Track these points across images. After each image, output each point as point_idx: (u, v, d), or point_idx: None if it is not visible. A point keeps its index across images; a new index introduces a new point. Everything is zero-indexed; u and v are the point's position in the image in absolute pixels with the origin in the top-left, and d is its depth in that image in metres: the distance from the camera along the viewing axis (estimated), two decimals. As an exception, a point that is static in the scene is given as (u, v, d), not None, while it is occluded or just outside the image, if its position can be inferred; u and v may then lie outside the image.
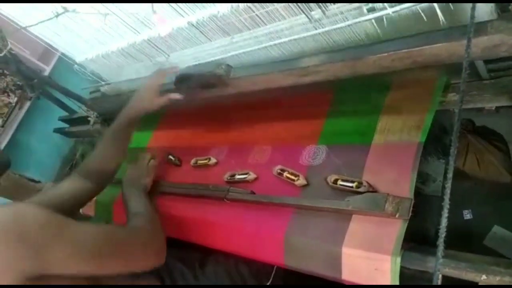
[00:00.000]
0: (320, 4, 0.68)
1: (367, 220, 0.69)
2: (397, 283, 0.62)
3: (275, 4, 0.72)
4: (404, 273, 0.62)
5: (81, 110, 1.52)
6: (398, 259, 0.62)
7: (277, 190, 0.85)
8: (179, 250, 0.94)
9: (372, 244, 0.66)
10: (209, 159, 1.05)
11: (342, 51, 0.75)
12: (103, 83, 1.23)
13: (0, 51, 1.23)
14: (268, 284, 0.90)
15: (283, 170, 0.86)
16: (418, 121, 0.74)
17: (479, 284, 0.58)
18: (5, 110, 1.98)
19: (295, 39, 0.77)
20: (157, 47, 0.96)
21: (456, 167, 0.87)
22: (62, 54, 1.13)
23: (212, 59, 0.92)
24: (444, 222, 0.44)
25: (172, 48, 0.95)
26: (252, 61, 0.88)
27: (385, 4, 0.63)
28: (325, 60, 0.76)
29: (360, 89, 0.86)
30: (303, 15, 0.72)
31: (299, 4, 0.70)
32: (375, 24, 0.69)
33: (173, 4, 0.79)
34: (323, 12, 0.69)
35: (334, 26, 0.71)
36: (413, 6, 0.61)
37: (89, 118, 1.43)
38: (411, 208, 0.64)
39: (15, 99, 2.00)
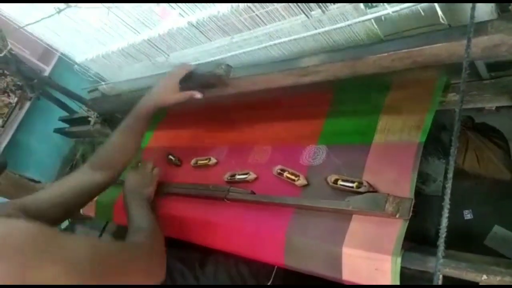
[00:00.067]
0: (320, 4, 0.68)
1: (368, 220, 0.69)
2: (398, 283, 0.62)
3: (275, 4, 0.72)
4: (404, 273, 0.62)
5: (81, 110, 1.52)
6: (399, 259, 0.62)
7: (277, 190, 0.85)
8: (179, 250, 0.95)
9: (373, 244, 0.65)
10: (209, 159, 1.05)
11: (342, 51, 0.75)
12: (102, 83, 1.23)
13: (0, 51, 1.23)
14: (268, 284, 0.90)
15: (283, 170, 0.86)
16: (418, 121, 0.74)
17: (480, 284, 0.58)
18: (5, 110, 1.98)
19: (295, 39, 0.77)
20: (157, 47, 0.96)
21: (456, 166, 0.87)
22: (62, 54, 1.13)
23: (212, 59, 0.92)
24: (444, 222, 0.44)
25: (172, 48, 0.95)
26: (252, 61, 0.88)
27: (385, 4, 0.63)
28: (325, 60, 0.76)
29: (360, 89, 0.86)
30: (303, 15, 0.72)
31: (299, 4, 0.70)
32: (374, 24, 0.69)
33: (173, 4, 0.79)
34: (323, 11, 0.69)
35: (334, 26, 0.71)
36: (413, 6, 0.61)
37: (89, 118, 1.43)
38: (412, 208, 0.64)
39: (15, 99, 2.00)
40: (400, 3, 0.62)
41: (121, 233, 1.45)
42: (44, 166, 2.04)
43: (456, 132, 0.48)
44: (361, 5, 0.66)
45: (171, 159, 1.15)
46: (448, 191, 0.46)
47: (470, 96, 0.76)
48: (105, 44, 1.02)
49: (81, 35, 1.01)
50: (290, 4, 0.70)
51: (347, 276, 0.68)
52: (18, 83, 1.96)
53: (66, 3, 0.89)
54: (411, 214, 0.64)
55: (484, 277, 0.57)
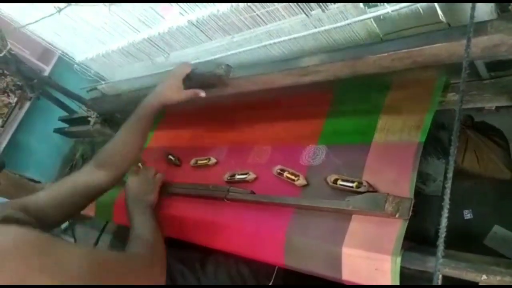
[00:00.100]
0: (320, 3, 0.68)
1: (367, 220, 0.69)
2: (398, 283, 0.62)
3: (275, 3, 0.72)
4: (404, 273, 0.62)
5: (81, 110, 1.52)
6: (398, 259, 0.62)
7: (277, 190, 0.85)
8: (179, 251, 0.94)
9: (372, 244, 0.65)
10: (209, 159, 1.05)
11: (342, 51, 0.75)
12: (102, 82, 1.23)
13: (0, 51, 1.22)
14: (269, 284, 0.90)
15: (283, 170, 0.86)
16: (418, 121, 0.74)
17: (480, 284, 0.58)
18: (5, 110, 1.98)
19: (295, 38, 0.77)
20: (157, 46, 0.96)
21: (455, 165, 0.87)
22: (62, 53, 1.13)
23: (212, 57, 0.92)
24: (444, 222, 0.44)
25: (173, 47, 0.95)
26: (252, 60, 0.88)
27: (385, 3, 0.63)
28: (325, 60, 0.76)
29: (360, 89, 0.86)
30: (303, 14, 0.72)
31: (298, 3, 0.70)
32: (374, 23, 0.69)
33: (174, 4, 0.79)
34: (323, 11, 0.69)
35: (334, 25, 0.71)
36: (412, 5, 0.61)
37: (89, 118, 1.43)
38: (411, 208, 0.64)
39: (15, 99, 2.00)
40: (399, 3, 0.62)
41: (121, 233, 1.45)
42: (44, 166, 2.04)
43: (455, 132, 0.48)
44: (361, 4, 0.66)
45: (171, 159, 1.15)
46: (448, 191, 0.46)
47: (470, 96, 0.76)
48: (105, 43, 1.02)
49: (81, 34, 1.01)
50: (290, 3, 0.70)
51: (347, 276, 0.68)
52: (18, 83, 1.95)
53: (67, 3, 0.89)
54: (410, 214, 0.64)
55: (484, 277, 0.57)
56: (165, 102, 0.91)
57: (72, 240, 1.63)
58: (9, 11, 1.01)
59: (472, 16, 0.53)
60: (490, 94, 0.74)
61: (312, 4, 0.70)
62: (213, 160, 1.04)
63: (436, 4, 0.60)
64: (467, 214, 0.92)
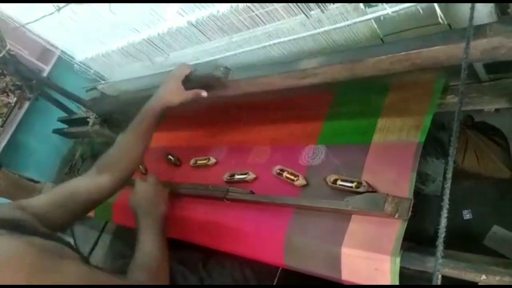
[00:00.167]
0: (319, 4, 0.68)
1: (367, 220, 0.69)
2: (397, 283, 0.62)
3: (275, 4, 0.71)
4: (403, 273, 0.62)
5: (80, 111, 1.52)
6: (398, 259, 0.62)
7: (276, 190, 0.85)
8: (179, 251, 0.94)
9: (372, 244, 0.66)
10: (209, 159, 1.05)
11: (341, 54, 0.75)
12: (102, 82, 1.23)
13: (-1, 51, 1.22)
14: (273, 284, 0.90)
15: (282, 170, 0.86)
16: (417, 121, 0.74)
17: (479, 284, 0.58)
18: (5, 110, 1.98)
19: (294, 39, 0.77)
20: (157, 46, 0.96)
21: (455, 165, 0.87)
22: (62, 52, 1.13)
23: (212, 58, 0.91)
24: (443, 222, 0.44)
25: (172, 48, 0.95)
26: (251, 61, 0.88)
27: (384, 4, 0.63)
28: (324, 63, 0.75)
29: (360, 91, 0.85)
30: (303, 15, 0.72)
31: (298, 4, 0.70)
32: (374, 24, 0.69)
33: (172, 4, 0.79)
34: (322, 11, 0.69)
35: (334, 26, 0.71)
36: (412, 6, 0.61)
37: (88, 119, 1.42)
38: (411, 208, 0.64)
39: (15, 99, 2.00)
40: (399, 3, 0.62)
41: (120, 233, 1.45)
42: (44, 166, 2.03)
43: (455, 132, 0.48)
44: (361, 5, 0.66)
45: (170, 159, 1.15)
46: (447, 191, 0.46)
47: (469, 98, 0.76)
48: (105, 43, 1.02)
49: (81, 33, 1.01)
50: (290, 4, 0.70)
51: (347, 276, 0.68)
52: (18, 83, 1.95)
53: (66, 2, 0.89)
54: (410, 214, 0.64)
55: (483, 277, 0.57)
56: (167, 104, 0.91)
57: (71, 240, 1.63)
58: (9, 10, 1.01)
59: (471, 17, 0.53)
60: (489, 96, 0.74)
61: (312, 5, 0.70)
62: (212, 160, 1.04)
63: (436, 6, 0.60)
64: (467, 214, 0.93)
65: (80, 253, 0.66)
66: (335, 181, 0.76)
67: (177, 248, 0.93)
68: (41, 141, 2.02)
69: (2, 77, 1.99)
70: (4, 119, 1.96)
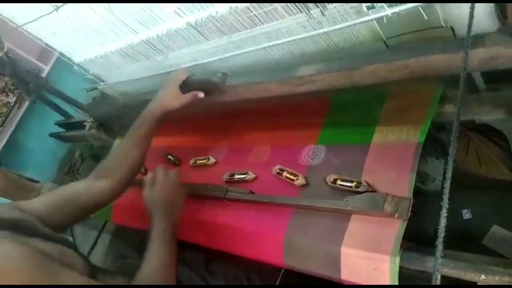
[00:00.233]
0: (318, 4, 0.68)
1: (366, 220, 0.69)
2: (396, 283, 0.62)
3: (274, 4, 0.71)
4: (403, 273, 0.62)
5: (77, 115, 1.51)
6: (397, 259, 0.62)
7: (276, 190, 0.85)
8: (181, 252, 0.94)
9: (371, 244, 0.66)
10: (208, 159, 1.05)
11: (338, 61, 0.75)
12: (101, 83, 1.23)
13: (-3, 53, 1.22)
14: (276, 284, 0.89)
15: (282, 170, 0.86)
16: (417, 124, 0.73)
17: (478, 284, 0.58)
18: (4, 109, 1.98)
19: (294, 40, 0.77)
20: (155, 47, 0.96)
21: (455, 166, 0.87)
22: (60, 54, 1.13)
23: (211, 59, 0.91)
24: (443, 221, 0.44)
25: (171, 49, 0.95)
26: (251, 63, 0.88)
27: (384, 4, 0.63)
28: (321, 70, 0.75)
29: (357, 98, 0.85)
30: (303, 14, 0.71)
31: (297, 4, 0.70)
32: (377, 27, 0.68)
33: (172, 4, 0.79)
34: (322, 12, 0.69)
35: (333, 27, 0.71)
36: (413, 7, 0.61)
37: (85, 123, 1.42)
38: (410, 208, 0.64)
39: (14, 98, 2.00)
40: (399, 4, 0.62)
41: (120, 232, 1.45)
42: (43, 166, 2.04)
43: (455, 132, 0.48)
44: (363, 6, 0.65)
45: (170, 158, 1.15)
46: (447, 191, 0.46)
47: (468, 108, 0.75)
48: (103, 45, 1.02)
49: (80, 35, 1.01)
50: (289, 4, 0.70)
51: (346, 276, 0.68)
52: (15, 85, 1.96)
53: (64, 2, 0.88)
54: (409, 214, 0.64)
55: (483, 277, 0.57)
56: (166, 109, 0.90)
57: (70, 239, 1.63)
58: (8, 10, 1.01)
59: (471, 16, 0.53)
60: (488, 107, 0.73)
61: (310, 5, 0.69)
62: (212, 160, 1.04)
63: (438, 9, 0.59)
64: (466, 214, 0.92)
65: (80, 254, 0.66)
66: (334, 181, 0.76)
67: (179, 248, 0.93)
68: (41, 140, 2.02)
69: (1, 76, 1.99)
70: (4, 118, 1.97)
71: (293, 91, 0.80)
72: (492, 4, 0.58)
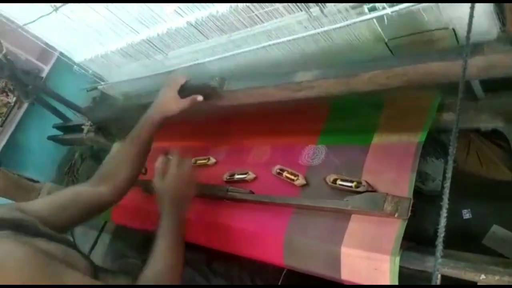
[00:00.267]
0: (319, 4, 0.68)
1: (366, 219, 0.69)
2: (396, 282, 0.62)
3: (275, 4, 0.71)
4: (403, 272, 0.62)
5: (76, 118, 1.51)
6: (397, 259, 0.62)
7: (276, 190, 0.85)
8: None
9: (371, 244, 0.66)
10: (209, 159, 1.05)
11: (336, 67, 0.75)
12: (102, 83, 1.23)
13: (-4, 55, 1.22)
14: (278, 284, 0.89)
15: (282, 170, 0.86)
16: (416, 127, 0.73)
17: (478, 283, 0.58)
18: (4, 109, 1.98)
19: (294, 39, 0.77)
20: (156, 46, 0.95)
21: (456, 166, 0.87)
22: (61, 53, 1.13)
23: (211, 59, 0.91)
24: (443, 221, 0.44)
25: (171, 48, 0.95)
26: (251, 64, 0.88)
27: (385, 4, 0.63)
28: (320, 76, 0.75)
29: (356, 105, 0.85)
30: (302, 13, 0.71)
31: (298, 4, 0.69)
32: (379, 28, 0.68)
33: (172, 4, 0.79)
34: (321, 11, 0.69)
35: (333, 26, 0.71)
36: (413, 6, 0.61)
37: (83, 127, 1.42)
38: (410, 208, 0.64)
39: (14, 99, 2.00)
40: (399, 4, 0.61)
41: (120, 233, 1.45)
42: (43, 165, 2.03)
43: (455, 131, 0.48)
44: (365, 8, 0.65)
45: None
46: (447, 190, 0.46)
47: (467, 115, 0.75)
48: (103, 44, 1.02)
49: (80, 34, 1.01)
50: (290, 4, 0.70)
51: (346, 275, 0.68)
52: (13, 87, 1.96)
53: (64, 2, 0.88)
54: (409, 214, 0.64)
55: (483, 276, 0.57)
56: (165, 113, 0.90)
57: (71, 239, 1.63)
58: (8, 10, 1.01)
59: (471, 16, 0.53)
60: (486, 115, 0.73)
61: (312, 5, 0.69)
62: (212, 160, 1.04)
63: (440, 10, 0.59)
64: (466, 214, 0.92)
65: (83, 254, 0.66)
66: (334, 181, 0.76)
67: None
68: (41, 141, 2.01)
69: (1, 77, 1.99)
70: (4, 118, 1.97)
71: (291, 97, 0.80)
72: (492, 6, 0.58)
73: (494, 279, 0.56)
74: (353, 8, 0.67)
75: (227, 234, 0.87)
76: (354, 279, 0.68)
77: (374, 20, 0.66)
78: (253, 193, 0.87)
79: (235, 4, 0.73)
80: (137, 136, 0.89)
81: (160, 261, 0.71)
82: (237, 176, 0.94)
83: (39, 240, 0.56)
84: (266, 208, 0.84)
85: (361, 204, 0.69)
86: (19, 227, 0.57)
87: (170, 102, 0.89)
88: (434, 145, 0.90)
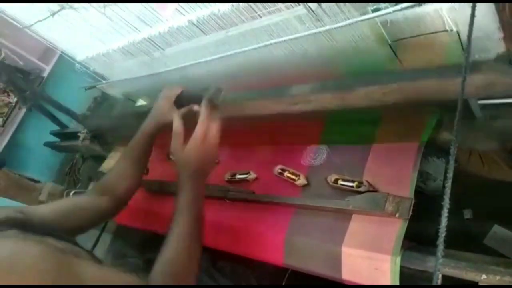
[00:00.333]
0: (319, 4, 0.68)
1: (367, 219, 0.69)
2: (397, 283, 0.62)
3: (278, 4, 0.71)
4: (404, 272, 0.62)
5: (72, 125, 1.51)
6: (398, 259, 0.62)
7: (277, 190, 0.85)
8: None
9: (372, 244, 0.66)
10: (209, 158, 1.05)
11: (333, 82, 0.75)
12: (103, 81, 1.23)
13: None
14: (283, 284, 0.89)
15: (283, 170, 0.86)
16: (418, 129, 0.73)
17: (479, 283, 0.58)
18: (5, 109, 1.98)
19: (296, 38, 0.77)
20: (157, 45, 0.95)
21: (457, 166, 0.87)
22: (63, 52, 1.13)
23: (213, 57, 0.91)
24: (444, 221, 0.44)
25: (171, 46, 0.95)
26: (251, 64, 0.88)
27: (387, 4, 0.62)
28: (315, 89, 0.75)
29: (351, 121, 0.85)
30: (303, 10, 0.71)
31: (299, 4, 0.69)
32: (382, 29, 0.67)
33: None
34: (323, 9, 0.69)
35: (334, 25, 0.70)
36: (414, 6, 0.61)
37: (78, 134, 1.42)
38: (411, 208, 0.64)
39: (15, 99, 2.00)
40: (400, 3, 0.61)
41: (121, 232, 1.45)
42: (44, 166, 2.04)
43: (455, 131, 0.48)
44: (369, 10, 0.65)
45: (171, 158, 1.15)
46: (448, 190, 0.46)
47: (463, 136, 0.73)
48: (105, 43, 1.02)
49: (81, 33, 1.01)
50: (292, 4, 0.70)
51: (347, 275, 0.68)
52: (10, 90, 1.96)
53: (61, 5, 0.89)
54: (410, 213, 0.64)
55: (484, 276, 0.57)
56: (163, 121, 0.90)
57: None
58: (9, 10, 1.01)
59: (472, 15, 0.53)
60: (483, 134, 0.72)
61: (314, 7, 0.69)
62: (213, 160, 1.04)
63: (444, 12, 0.59)
64: (467, 214, 0.92)
65: (90, 252, 0.66)
66: (336, 181, 0.76)
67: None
68: (42, 141, 2.02)
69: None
70: (5, 118, 1.97)
71: (287, 110, 0.80)
72: (492, 6, 0.58)
73: (495, 279, 0.56)
74: (356, 10, 0.66)
75: (228, 234, 0.87)
76: (354, 279, 0.68)
77: (378, 22, 0.66)
78: (254, 193, 0.87)
79: (237, 4, 0.73)
80: (134, 148, 0.90)
81: (180, 242, 0.65)
82: (238, 176, 0.94)
83: (50, 238, 0.56)
84: (267, 208, 0.84)
85: (362, 204, 0.69)
86: (26, 227, 0.57)
87: (166, 113, 0.89)
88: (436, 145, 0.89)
